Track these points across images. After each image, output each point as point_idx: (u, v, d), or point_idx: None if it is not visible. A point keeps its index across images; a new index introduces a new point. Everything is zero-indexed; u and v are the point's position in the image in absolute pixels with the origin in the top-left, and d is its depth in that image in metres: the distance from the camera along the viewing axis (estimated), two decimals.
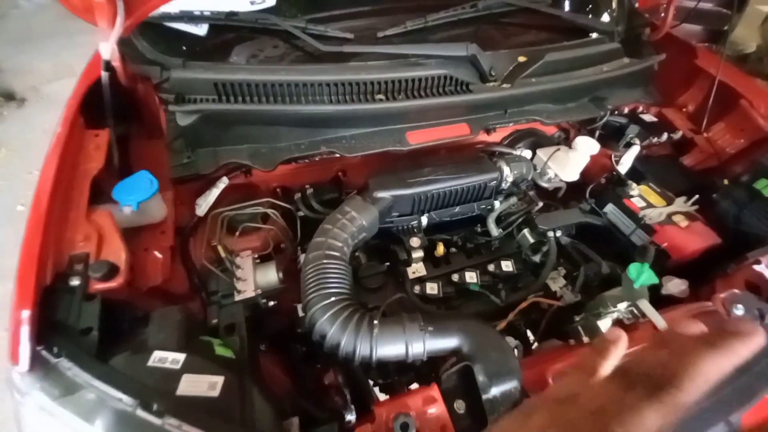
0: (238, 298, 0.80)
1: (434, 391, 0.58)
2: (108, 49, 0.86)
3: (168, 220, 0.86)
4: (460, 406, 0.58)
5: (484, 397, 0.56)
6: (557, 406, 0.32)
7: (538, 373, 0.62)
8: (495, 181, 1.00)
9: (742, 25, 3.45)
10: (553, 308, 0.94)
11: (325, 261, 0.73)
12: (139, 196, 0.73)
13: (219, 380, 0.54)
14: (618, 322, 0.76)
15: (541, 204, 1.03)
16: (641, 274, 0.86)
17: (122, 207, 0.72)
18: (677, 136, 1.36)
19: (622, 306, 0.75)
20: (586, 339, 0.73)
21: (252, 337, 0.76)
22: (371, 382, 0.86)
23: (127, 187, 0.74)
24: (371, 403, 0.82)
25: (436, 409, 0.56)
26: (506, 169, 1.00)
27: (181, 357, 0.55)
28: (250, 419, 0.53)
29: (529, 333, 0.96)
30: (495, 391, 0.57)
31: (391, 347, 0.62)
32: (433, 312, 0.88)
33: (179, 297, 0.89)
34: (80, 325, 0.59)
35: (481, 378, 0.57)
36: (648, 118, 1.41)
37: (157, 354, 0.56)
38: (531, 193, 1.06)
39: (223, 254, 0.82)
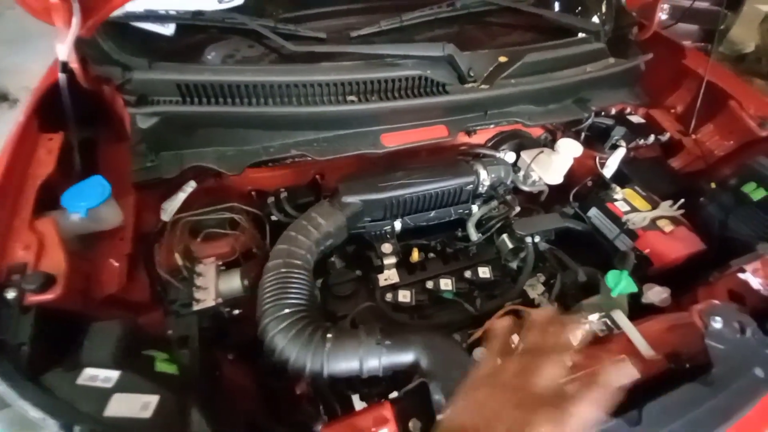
0: (196, 307, 0.77)
1: (386, 411, 0.54)
2: (65, 51, 0.84)
3: (127, 227, 0.83)
4: (415, 426, 0.55)
5: (439, 417, 0.53)
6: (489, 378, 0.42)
7: None
8: (471, 185, 0.96)
9: (741, 24, 3.41)
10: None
11: (284, 270, 0.70)
12: (89, 202, 0.70)
13: (153, 400, 0.51)
14: (591, 334, 0.72)
15: (518, 209, 1.00)
16: (619, 282, 0.83)
17: (70, 214, 0.69)
18: (665, 138, 1.32)
19: (594, 317, 0.72)
20: None
21: (208, 350, 0.73)
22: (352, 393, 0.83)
23: (77, 192, 0.71)
24: (337, 415, 0.79)
25: (388, 430, 0.53)
26: (483, 173, 0.97)
27: (114, 374, 0.52)
28: None
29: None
30: None
31: (343, 363, 0.59)
32: (404, 322, 0.85)
33: (140, 306, 0.86)
34: (16, 340, 0.56)
35: (436, 397, 0.54)
36: (635, 119, 1.37)
37: (88, 371, 0.52)
38: (509, 197, 1.02)
39: (180, 262, 0.79)
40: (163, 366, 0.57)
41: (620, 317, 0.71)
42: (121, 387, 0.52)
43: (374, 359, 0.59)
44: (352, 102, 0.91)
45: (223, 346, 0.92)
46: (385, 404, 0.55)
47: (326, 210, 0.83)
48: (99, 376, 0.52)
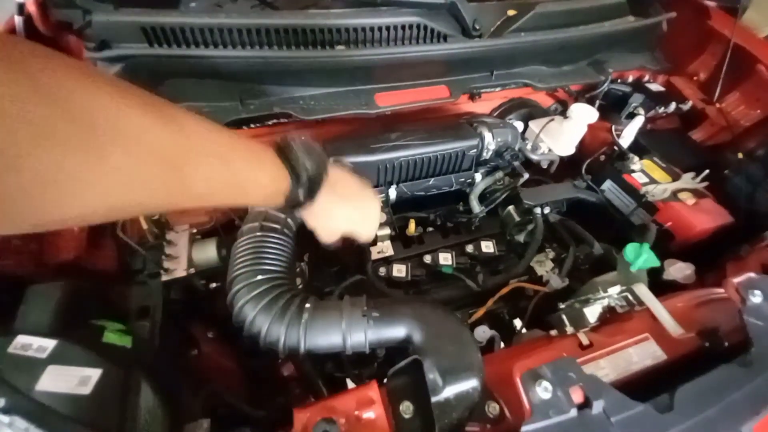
0: (165, 277, 0.68)
1: (372, 391, 0.46)
2: None
3: None
4: (406, 408, 0.47)
5: (434, 399, 0.45)
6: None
7: (505, 369, 0.50)
8: (475, 150, 0.87)
9: (754, 9, 3.26)
10: (539, 295, 0.83)
11: (259, 234, 0.61)
12: None
13: (94, 374, 0.43)
14: (609, 310, 0.64)
15: (526, 176, 0.90)
16: (640, 256, 0.74)
17: None
18: (686, 106, 1.22)
19: (614, 290, 0.63)
20: (569, 329, 0.61)
21: (177, 323, 0.65)
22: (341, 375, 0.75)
23: None
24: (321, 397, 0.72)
25: (374, 413, 0.45)
26: (488, 136, 0.87)
27: (50, 344, 0.44)
28: (131, 422, 0.42)
29: (518, 321, 0.85)
30: (448, 391, 0.45)
31: (324, 336, 0.50)
32: (397, 297, 0.77)
33: (105, 275, 0.78)
34: None
35: (431, 375, 0.46)
36: (654, 87, 1.26)
37: (20, 339, 0.44)
38: (516, 163, 0.92)
39: (145, 226, 0.70)
40: (114, 337, 0.49)
41: (642, 291, 0.62)
42: (57, 358, 0.44)
43: (359, 333, 0.50)
44: (342, 51, 0.81)
45: (204, 322, 0.84)
46: (371, 384, 0.47)
47: None
48: (32, 344, 0.45)
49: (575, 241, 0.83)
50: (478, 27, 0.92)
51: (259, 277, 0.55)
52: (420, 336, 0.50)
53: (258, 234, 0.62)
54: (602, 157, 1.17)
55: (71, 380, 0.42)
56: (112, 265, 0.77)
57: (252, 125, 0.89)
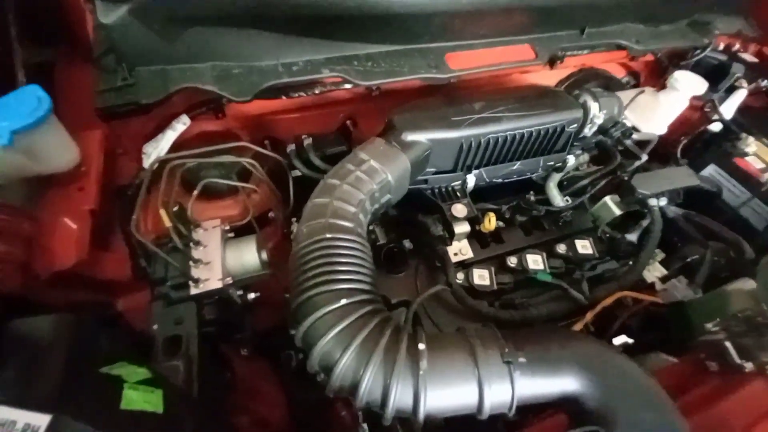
0: (195, 290, 0.52)
1: None
2: None
3: (90, 172, 0.57)
4: None
5: None
6: None
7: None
8: (576, 124, 0.69)
9: None
10: (641, 306, 0.67)
11: (329, 236, 0.44)
12: (15, 121, 0.43)
13: None
14: None
15: (645, 158, 0.73)
16: None
17: None
18: None
19: None
20: (747, 365, 0.45)
21: (213, 352, 0.49)
22: None
23: (1, 108, 0.44)
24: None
25: None
26: (594, 107, 0.69)
27: (43, 420, 0.28)
28: None
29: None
30: None
31: (451, 394, 0.34)
32: (494, 316, 0.60)
33: (115, 286, 0.61)
34: None
35: None
36: (749, 57, 1.08)
37: (1, 413, 0.28)
38: (628, 142, 0.75)
39: (168, 223, 0.53)
40: (137, 398, 0.33)
41: None
42: None
43: (503, 387, 0.34)
44: None
45: (236, 339, 0.68)
46: None
47: (383, 150, 0.57)
48: (17, 422, 0.28)
49: (705, 241, 0.66)
50: None
51: (344, 301, 0.38)
52: (598, 396, 0.33)
53: (327, 236, 0.44)
54: (683, 139, 1.00)
55: None
56: (122, 273, 0.60)
57: (293, 94, 0.71)
